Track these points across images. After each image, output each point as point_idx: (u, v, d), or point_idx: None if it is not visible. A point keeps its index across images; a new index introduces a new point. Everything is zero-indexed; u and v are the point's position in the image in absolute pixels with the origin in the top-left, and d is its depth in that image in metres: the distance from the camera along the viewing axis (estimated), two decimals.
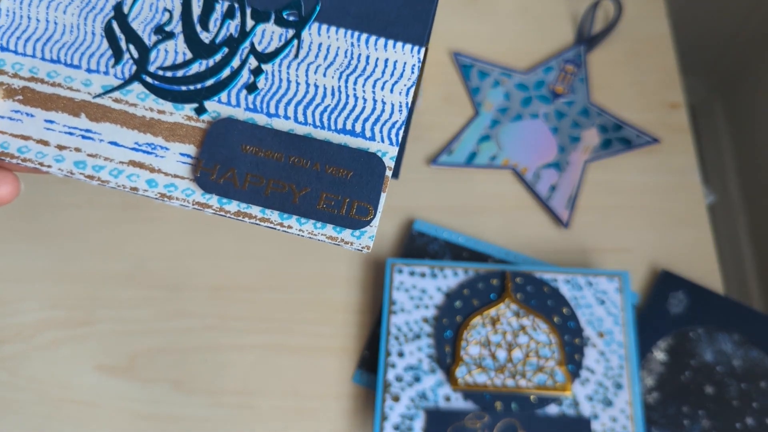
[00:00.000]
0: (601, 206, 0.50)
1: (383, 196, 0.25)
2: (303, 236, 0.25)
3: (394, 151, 0.26)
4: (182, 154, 0.26)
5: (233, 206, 0.26)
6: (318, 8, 0.27)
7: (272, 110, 0.27)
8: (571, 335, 0.42)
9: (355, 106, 0.27)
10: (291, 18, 0.27)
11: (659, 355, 0.45)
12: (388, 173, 0.26)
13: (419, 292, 0.44)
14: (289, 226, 0.25)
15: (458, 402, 0.41)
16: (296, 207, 0.25)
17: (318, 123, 0.26)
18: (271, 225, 0.25)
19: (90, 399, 0.44)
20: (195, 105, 0.27)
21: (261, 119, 0.26)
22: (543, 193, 0.50)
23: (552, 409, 0.40)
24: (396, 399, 0.41)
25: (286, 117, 0.26)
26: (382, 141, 0.26)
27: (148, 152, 0.26)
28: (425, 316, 0.43)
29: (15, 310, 0.47)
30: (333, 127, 0.26)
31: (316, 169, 0.26)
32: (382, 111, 0.27)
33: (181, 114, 0.27)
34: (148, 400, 0.44)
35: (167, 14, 0.27)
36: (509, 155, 0.52)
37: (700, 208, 0.51)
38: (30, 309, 0.47)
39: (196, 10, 0.27)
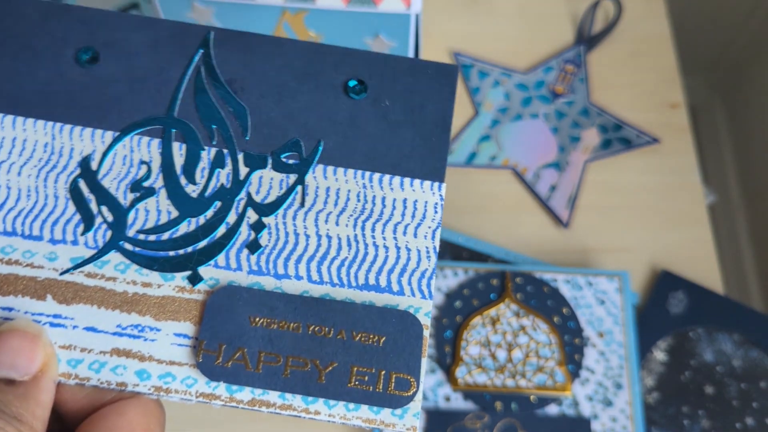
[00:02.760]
0: (601, 206, 0.50)
1: (424, 362, 0.22)
2: (334, 422, 0.22)
3: (428, 305, 0.22)
4: (177, 335, 0.22)
5: (246, 394, 0.22)
6: (321, 148, 0.24)
7: (281, 270, 0.23)
8: (571, 335, 0.42)
9: (376, 256, 0.23)
10: (291, 161, 0.24)
11: (659, 355, 0.45)
12: (426, 333, 0.22)
13: None
14: (317, 412, 0.21)
15: (458, 402, 0.41)
16: (323, 388, 0.21)
17: (336, 280, 0.23)
18: (295, 413, 0.22)
19: None
20: (188, 273, 0.23)
21: (269, 283, 0.23)
22: (543, 193, 0.50)
23: (552, 409, 0.40)
24: None
25: (298, 277, 0.23)
26: (413, 294, 0.23)
27: (134, 336, 0.22)
28: None
29: None
30: (354, 284, 0.23)
31: (342, 337, 0.22)
32: (408, 259, 0.23)
33: (172, 285, 0.22)
34: None
35: (144, 167, 0.23)
36: (509, 155, 0.52)
37: (700, 208, 0.51)
38: None
39: (179, 160, 0.24)
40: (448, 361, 0.41)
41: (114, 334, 0.22)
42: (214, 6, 0.43)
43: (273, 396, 0.22)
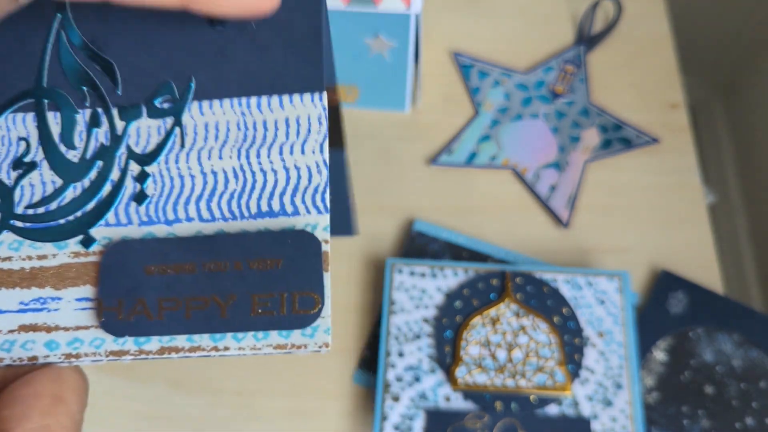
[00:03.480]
0: (601, 206, 0.50)
1: (327, 276, 0.21)
2: (245, 354, 0.21)
3: (325, 219, 0.22)
4: (79, 300, 0.22)
5: (154, 344, 0.21)
6: (192, 86, 0.23)
7: (171, 216, 0.22)
8: (570, 335, 0.42)
9: (265, 182, 0.23)
10: (165, 105, 0.23)
11: (659, 355, 0.45)
12: (326, 247, 0.22)
13: (419, 292, 0.44)
14: (226, 348, 0.21)
15: (458, 402, 0.41)
16: (226, 322, 0.21)
17: (228, 215, 0.22)
18: (205, 353, 0.21)
19: (90, 399, 0.44)
20: (80, 237, 0.22)
21: (161, 230, 0.22)
22: (543, 193, 0.50)
23: (552, 409, 0.40)
24: (396, 399, 0.41)
25: (189, 219, 0.22)
26: (308, 212, 0.22)
27: (38, 309, 0.22)
28: (425, 316, 0.43)
29: None
30: (246, 214, 0.22)
31: (238, 268, 0.21)
32: (299, 178, 0.23)
33: (66, 252, 0.22)
34: (148, 400, 0.44)
35: (23, 144, 0.23)
36: (509, 155, 0.52)
37: (700, 208, 0.51)
38: None
39: (56, 129, 0.23)
40: (448, 361, 0.41)
41: (18, 311, 0.22)
42: None
43: (180, 340, 0.21)
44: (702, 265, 0.48)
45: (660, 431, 0.43)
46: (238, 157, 0.23)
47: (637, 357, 0.43)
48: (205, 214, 0.23)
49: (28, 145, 0.23)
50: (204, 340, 0.21)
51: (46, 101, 0.24)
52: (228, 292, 0.21)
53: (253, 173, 0.23)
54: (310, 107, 0.23)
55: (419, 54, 0.49)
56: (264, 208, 0.22)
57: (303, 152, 0.23)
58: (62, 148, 0.23)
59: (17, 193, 0.23)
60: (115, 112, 0.24)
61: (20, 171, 0.23)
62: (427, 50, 0.56)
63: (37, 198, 0.23)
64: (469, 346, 0.42)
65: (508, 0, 0.59)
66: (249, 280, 0.21)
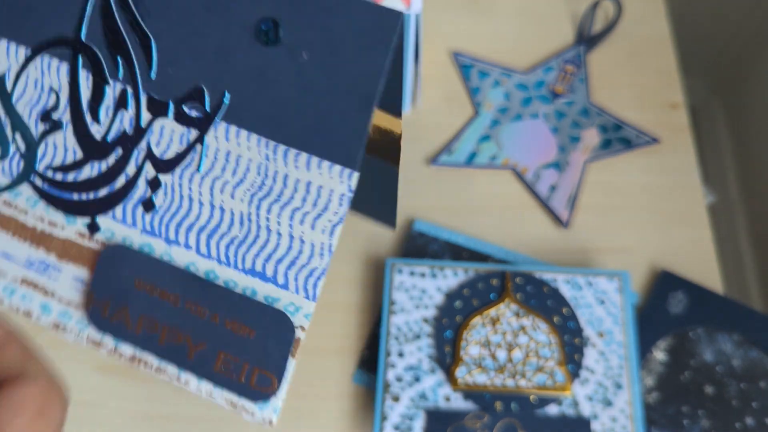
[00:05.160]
0: (601, 206, 0.50)
1: (292, 362, 0.22)
2: (201, 396, 0.22)
3: (309, 306, 0.22)
4: (75, 279, 0.23)
5: (129, 349, 0.23)
6: (226, 102, 0.22)
7: (172, 235, 0.23)
8: (570, 335, 0.42)
9: (267, 241, 0.22)
10: (194, 114, 0.23)
11: (659, 355, 0.45)
12: (300, 334, 0.22)
13: (419, 292, 0.44)
14: (187, 382, 0.22)
15: (458, 402, 0.41)
16: (192, 365, 0.22)
17: (223, 258, 0.23)
18: (168, 378, 0.22)
19: (90, 399, 0.44)
20: (87, 220, 0.23)
21: (159, 246, 0.23)
22: (543, 193, 0.50)
23: (552, 409, 0.40)
24: (396, 399, 0.41)
25: (188, 246, 0.23)
26: (297, 292, 0.22)
27: (41, 271, 0.23)
28: (425, 316, 0.43)
29: None
30: (240, 266, 0.22)
31: (215, 321, 0.22)
32: (300, 252, 0.22)
33: (74, 229, 0.23)
34: (148, 400, 0.44)
35: (54, 96, 0.23)
36: (509, 155, 0.52)
37: (700, 208, 0.51)
38: None
39: (85, 92, 0.23)
40: (448, 361, 0.41)
41: (24, 266, 0.23)
42: None
43: (152, 358, 0.23)
44: (702, 265, 0.48)
45: (660, 431, 0.43)
46: (250, 203, 0.22)
47: (637, 357, 0.43)
48: (203, 249, 0.23)
49: (58, 100, 0.24)
50: (170, 367, 0.23)
51: (81, 57, 0.23)
52: (200, 338, 0.22)
53: (258, 227, 0.22)
54: (336, 182, 0.21)
55: (419, 54, 0.49)
56: (258, 267, 0.22)
57: (313, 227, 0.22)
58: (88, 118, 0.24)
59: (41, 148, 0.24)
60: (144, 99, 0.23)
61: (46, 126, 0.24)
62: (427, 50, 0.56)
63: (58, 162, 0.24)
64: (469, 346, 0.42)
65: (508, 0, 0.59)
66: (221, 337, 0.22)
